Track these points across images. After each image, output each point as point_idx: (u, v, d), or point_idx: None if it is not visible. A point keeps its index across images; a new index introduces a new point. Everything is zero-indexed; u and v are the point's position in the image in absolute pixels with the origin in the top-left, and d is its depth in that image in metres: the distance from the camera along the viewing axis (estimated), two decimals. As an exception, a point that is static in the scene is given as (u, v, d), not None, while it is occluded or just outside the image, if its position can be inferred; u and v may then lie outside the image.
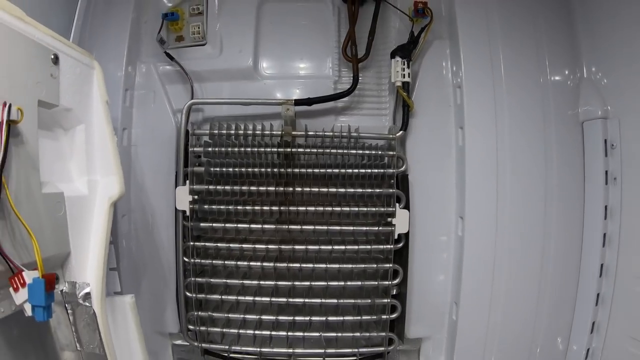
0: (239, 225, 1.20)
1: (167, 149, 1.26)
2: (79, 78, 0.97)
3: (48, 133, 0.93)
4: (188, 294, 1.22)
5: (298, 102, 1.18)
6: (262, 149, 1.18)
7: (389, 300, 1.21)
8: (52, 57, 0.86)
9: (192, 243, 1.21)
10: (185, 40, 1.30)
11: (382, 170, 1.18)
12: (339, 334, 1.21)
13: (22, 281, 0.69)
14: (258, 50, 1.28)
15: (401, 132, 1.20)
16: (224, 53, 1.28)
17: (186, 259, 1.21)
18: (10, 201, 0.70)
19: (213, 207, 1.19)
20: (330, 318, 1.21)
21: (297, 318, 1.21)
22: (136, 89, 1.29)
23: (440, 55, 1.28)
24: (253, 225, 1.19)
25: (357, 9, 1.28)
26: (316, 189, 1.17)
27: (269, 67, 1.29)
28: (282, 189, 1.18)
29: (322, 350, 1.22)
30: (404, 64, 1.21)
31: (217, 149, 1.19)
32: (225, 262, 1.20)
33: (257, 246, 1.20)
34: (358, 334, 1.22)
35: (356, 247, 1.20)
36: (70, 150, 0.99)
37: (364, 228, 1.20)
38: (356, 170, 1.18)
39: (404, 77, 1.20)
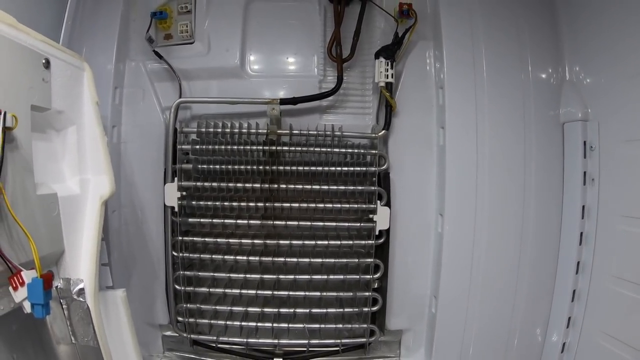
0: (225, 221, 1.23)
1: (156, 145, 1.29)
2: (69, 80, 0.99)
3: (41, 135, 0.95)
4: (177, 286, 1.26)
5: (283, 102, 1.21)
6: (248, 147, 1.21)
7: (370, 294, 1.26)
8: (44, 61, 0.88)
9: (180, 238, 1.25)
10: (173, 39, 1.32)
11: (364, 169, 1.22)
12: (322, 326, 1.26)
13: (21, 280, 0.73)
14: (245, 49, 1.30)
15: (383, 131, 1.24)
16: (211, 52, 1.30)
17: (175, 253, 1.25)
18: (8, 205, 0.73)
19: (201, 203, 1.23)
20: (313, 310, 1.25)
21: (282, 310, 1.25)
22: (125, 87, 1.32)
23: (424, 56, 1.30)
24: (239, 221, 1.23)
25: (343, 9, 1.30)
26: (300, 186, 1.21)
27: (256, 65, 1.31)
28: (267, 185, 1.21)
29: (306, 341, 1.27)
30: (387, 65, 1.23)
31: (204, 146, 1.22)
32: (213, 256, 1.25)
33: (243, 241, 1.24)
34: (340, 326, 1.26)
35: (338, 242, 1.24)
36: (62, 150, 1.02)
37: (346, 224, 1.24)
38: (339, 168, 1.21)
39: (387, 78, 1.23)
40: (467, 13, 1.28)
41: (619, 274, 1.12)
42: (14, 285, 0.72)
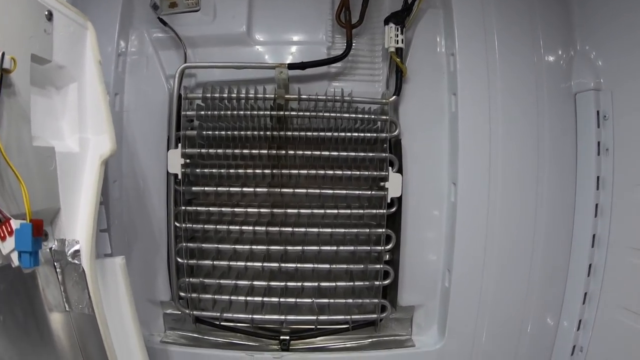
0: (231, 189, 1.19)
1: (159, 114, 1.25)
2: (72, 37, 0.96)
3: (41, 90, 0.93)
4: (179, 259, 1.21)
5: (291, 66, 1.18)
6: (255, 112, 1.18)
7: (381, 266, 1.21)
8: (46, 13, 0.86)
9: (183, 207, 1.20)
10: (178, 7, 1.30)
11: (375, 135, 1.18)
12: (332, 300, 1.21)
13: (9, 229, 0.68)
14: (251, 16, 1.28)
15: (394, 97, 1.21)
16: (217, 19, 1.27)
17: (178, 224, 1.20)
18: (1, 148, 0.69)
19: (205, 170, 1.18)
20: (322, 284, 1.20)
21: (289, 284, 1.20)
22: (129, 55, 1.29)
23: (434, 24, 1.28)
24: (245, 189, 1.19)
25: (351, -24, 1.28)
26: (309, 152, 1.17)
27: (262, 32, 1.28)
28: (274, 152, 1.17)
29: (315, 318, 1.21)
30: (397, 30, 1.21)
31: (210, 112, 1.18)
32: (217, 226, 1.20)
33: (249, 210, 1.20)
34: (350, 300, 1.21)
35: (349, 211, 1.20)
36: (62, 108, 0.98)
37: (357, 192, 1.19)
38: (349, 134, 1.18)
39: (397, 43, 1.20)
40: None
41: (636, 245, 1.08)
42: (2, 235, 0.68)
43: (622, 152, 1.16)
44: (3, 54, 0.69)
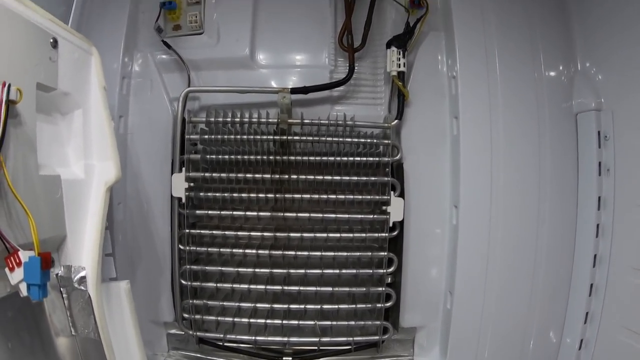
0: (234, 213, 1.20)
1: (163, 137, 1.26)
2: (77, 63, 0.97)
3: (46, 117, 0.93)
4: (183, 281, 1.22)
5: (294, 91, 1.19)
6: (259, 137, 1.19)
7: (383, 289, 1.22)
8: (51, 40, 0.86)
9: (187, 230, 1.21)
10: (182, 29, 1.31)
11: (377, 159, 1.19)
12: (334, 323, 1.21)
13: (17, 260, 0.69)
14: (255, 40, 1.29)
15: (396, 121, 1.21)
16: (220, 42, 1.28)
17: (181, 247, 1.22)
18: (8, 180, 0.70)
19: (209, 194, 1.19)
20: (325, 306, 1.21)
21: (292, 306, 1.21)
22: (133, 77, 1.30)
23: (435, 47, 1.29)
24: (248, 213, 1.20)
25: None
26: (312, 177, 1.18)
27: (266, 56, 1.29)
28: (277, 176, 1.18)
29: (317, 339, 1.22)
30: (399, 54, 1.22)
31: (213, 136, 1.19)
32: (221, 249, 1.21)
33: (252, 234, 1.21)
34: (353, 323, 1.22)
35: (351, 235, 1.20)
36: (67, 134, 1.00)
37: (359, 216, 1.20)
38: (351, 158, 1.18)
39: (399, 67, 1.21)
40: (479, 3, 1.27)
41: (637, 265, 1.09)
42: (11, 266, 0.69)
43: (623, 173, 1.16)
44: (9, 86, 0.70)
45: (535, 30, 1.28)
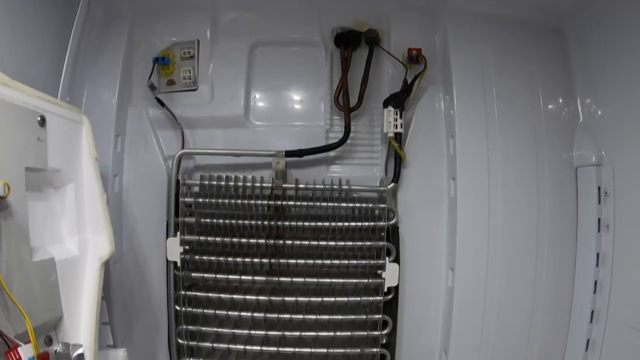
0: (229, 277, 1.20)
1: (158, 195, 1.26)
2: (67, 135, 0.96)
3: (38, 194, 0.93)
4: (180, 341, 1.23)
5: (289, 154, 1.18)
6: (253, 202, 1.18)
7: (378, 350, 1.22)
8: (39, 119, 0.85)
9: (183, 292, 1.21)
10: (176, 85, 1.29)
11: (372, 224, 1.18)
12: (329, 383, 1.22)
13: (17, 356, 0.70)
14: (249, 97, 1.27)
15: (392, 184, 1.19)
16: (215, 99, 1.26)
17: (178, 308, 1.22)
18: (2, 281, 0.70)
19: (204, 257, 1.20)
20: (320, 367, 1.22)
21: (287, 367, 1.22)
22: (127, 134, 1.29)
23: (434, 103, 1.26)
24: (244, 277, 1.20)
25: (350, 54, 1.26)
26: (307, 242, 1.17)
27: (261, 114, 1.27)
28: (272, 241, 1.18)
29: (312, 399, 1.24)
30: (396, 114, 1.19)
31: (207, 200, 1.18)
32: (217, 311, 1.21)
33: (247, 297, 1.21)
34: (348, 383, 1.23)
35: (346, 299, 1.20)
36: (60, 208, 0.99)
37: (354, 280, 1.20)
38: (347, 224, 1.17)
39: (396, 128, 1.19)
40: (478, 58, 1.24)
41: (635, 324, 1.08)
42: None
43: (622, 229, 1.14)
44: None
45: (536, 85, 1.26)
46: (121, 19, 1.30)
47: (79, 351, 0.91)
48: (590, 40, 1.24)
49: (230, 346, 1.22)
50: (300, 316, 1.20)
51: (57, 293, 0.89)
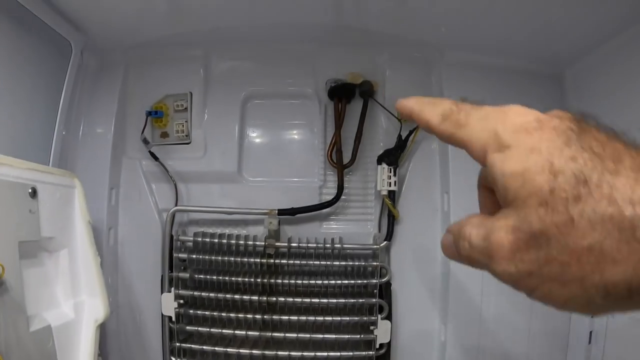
0: (223, 331, 1.21)
1: (153, 248, 1.27)
2: (59, 202, 0.97)
3: (32, 260, 0.94)
4: (175, 391, 1.26)
5: (282, 212, 1.18)
6: (246, 259, 1.18)
7: (370, 403, 1.23)
8: (30, 191, 0.85)
9: (178, 344, 1.23)
10: (169, 138, 1.29)
11: (365, 281, 1.18)
12: None
13: None
14: (242, 152, 1.26)
15: (385, 242, 1.20)
16: (207, 154, 1.26)
17: (173, 359, 1.24)
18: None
19: (198, 312, 1.21)
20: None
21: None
22: (122, 186, 1.29)
23: (428, 158, 1.25)
24: (237, 332, 1.21)
25: (345, 107, 1.25)
26: (299, 299, 1.18)
27: (253, 170, 1.27)
28: (265, 298, 1.19)
29: None
30: (390, 172, 1.19)
31: (201, 256, 1.19)
32: (211, 363, 1.23)
33: (241, 351, 1.22)
34: None
35: (338, 354, 1.21)
36: (55, 273, 1.01)
37: (346, 336, 1.20)
38: (339, 281, 1.18)
39: (390, 186, 1.18)
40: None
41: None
42: None
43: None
44: None
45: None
46: (115, 69, 1.29)
47: (77, 416, 0.94)
48: (588, 88, 1.22)
49: (225, 398, 1.24)
50: (293, 371, 1.22)
51: (54, 358, 0.91)
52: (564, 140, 0.23)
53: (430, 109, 0.29)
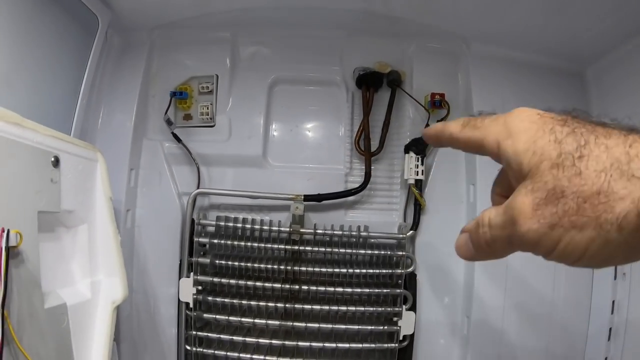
0: (242, 319, 1.18)
1: (171, 232, 1.23)
2: (81, 175, 0.94)
3: (50, 235, 0.91)
4: (189, 381, 1.21)
5: (307, 198, 1.16)
6: (269, 245, 1.16)
7: (390, 397, 1.21)
8: (53, 159, 0.82)
9: (194, 332, 1.19)
10: (193, 120, 1.26)
11: (390, 271, 1.16)
12: None
13: None
14: (268, 137, 1.24)
15: (411, 231, 1.18)
16: (232, 137, 1.24)
17: (188, 347, 1.20)
18: (13, 335, 0.68)
19: (217, 299, 1.17)
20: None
21: (297, 411, 1.20)
22: (142, 168, 1.26)
23: (455, 150, 1.24)
24: (257, 321, 1.18)
25: (372, 97, 1.24)
26: (323, 288, 1.16)
27: (279, 155, 1.25)
28: (288, 286, 1.16)
29: None
30: (417, 161, 1.18)
31: (222, 241, 1.16)
32: (228, 353, 1.19)
33: (260, 340, 1.19)
34: None
35: (360, 345, 1.19)
36: (72, 249, 0.97)
37: (370, 327, 1.18)
38: (364, 270, 1.16)
39: (417, 175, 1.17)
40: (500, 103, 1.23)
41: None
42: None
43: (638, 276, 1.14)
44: (8, 232, 0.67)
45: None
46: (139, 49, 1.27)
47: (90, 400, 0.90)
48: (610, 84, 1.24)
49: (241, 389, 1.20)
50: (314, 361, 1.19)
51: (69, 340, 0.87)
52: (562, 122, 0.28)
53: (452, 123, 0.37)
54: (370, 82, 1.23)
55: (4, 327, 0.65)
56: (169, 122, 1.23)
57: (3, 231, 0.66)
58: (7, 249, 0.66)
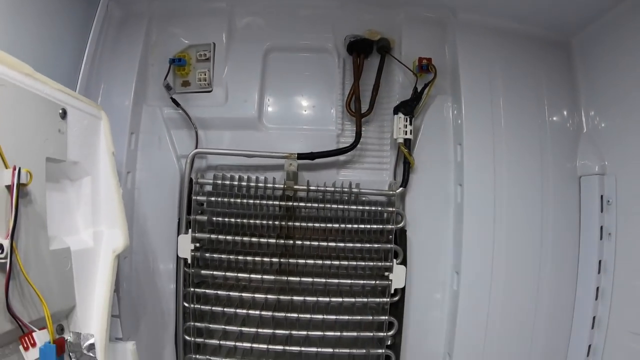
0: (239, 275, 1.22)
1: (170, 193, 1.28)
2: (86, 130, 0.99)
3: (55, 185, 0.95)
4: (187, 337, 1.24)
5: (301, 156, 1.20)
6: (264, 202, 1.20)
7: (383, 351, 1.24)
8: (60, 111, 0.87)
9: (192, 289, 1.23)
10: (191, 86, 1.32)
11: (381, 226, 1.21)
12: (333, 382, 1.24)
13: (32, 341, 0.72)
14: (263, 101, 1.30)
15: (401, 188, 1.23)
16: (229, 101, 1.29)
17: (186, 304, 1.24)
18: (21, 265, 0.72)
19: (214, 255, 1.21)
20: (325, 366, 1.23)
21: (293, 366, 1.23)
22: (142, 132, 1.31)
23: (442, 111, 1.30)
24: (253, 275, 1.22)
25: (362, 62, 1.30)
26: (316, 243, 1.20)
27: (273, 117, 1.30)
28: (282, 241, 1.20)
29: (317, 397, 1.25)
30: (406, 121, 1.23)
31: (219, 199, 1.21)
32: (225, 309, 1.23)
33: (256, 295, 1.23)
34: (352, 383, 1.24)
35: (353, 299, 1.22)
36: (76, 201, 1.01)
37: (362, 281, 1.22)
38: (355, 226, 1.20)
39: (406, 134, 1.22)
40: (486, 69, 1.29)
41: (636, 329, 1.11)
42: (25, 345, 0.71)
43: (624, 237, 1.18)
44: (19, 169, 0.70)
45: (542, 94, 1.30)
46: (139, 19, 1.33)
47: (90, 341, 0.93)
48: (594, 54, 1.29)
49: (237, 344, 1.23)
50: (308, 316, 1.22)
51: (72, 282, 0.91)
52: None
53: None
54: (360, 48, 1.29)
55: (12, 258, 0.69)
56: (168, 88, 1.29)
57: (15, 169, 0.70)
58: (19, 185, 0.70)
